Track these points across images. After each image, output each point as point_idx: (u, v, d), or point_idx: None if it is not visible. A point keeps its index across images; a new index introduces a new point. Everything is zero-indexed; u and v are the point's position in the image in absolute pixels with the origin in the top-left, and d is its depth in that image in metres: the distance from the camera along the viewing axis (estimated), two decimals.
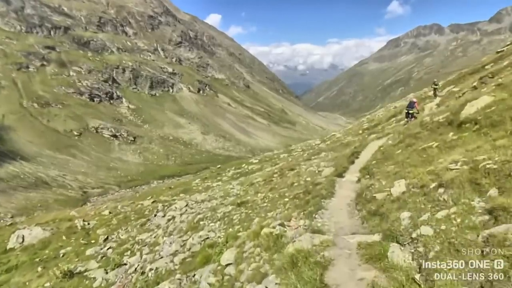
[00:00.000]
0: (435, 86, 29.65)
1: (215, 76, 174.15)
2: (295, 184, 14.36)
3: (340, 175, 12.17)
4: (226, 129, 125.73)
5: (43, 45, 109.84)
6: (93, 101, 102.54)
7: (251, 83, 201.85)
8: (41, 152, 72.82)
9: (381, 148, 14.15)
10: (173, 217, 18.20)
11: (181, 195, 32.22)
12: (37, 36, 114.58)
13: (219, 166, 55.81)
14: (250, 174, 35.40)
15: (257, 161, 47.70)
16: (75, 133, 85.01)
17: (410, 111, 18.50)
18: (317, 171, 15.36)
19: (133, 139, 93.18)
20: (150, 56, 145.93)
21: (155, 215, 20.26)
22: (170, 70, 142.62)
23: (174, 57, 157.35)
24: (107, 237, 18.62)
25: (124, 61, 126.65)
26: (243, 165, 45.26)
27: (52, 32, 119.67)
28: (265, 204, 13.32)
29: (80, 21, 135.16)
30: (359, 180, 10.65)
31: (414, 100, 19.57)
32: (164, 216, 19.38)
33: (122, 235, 18.46)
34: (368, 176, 10.14)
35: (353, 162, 14.04)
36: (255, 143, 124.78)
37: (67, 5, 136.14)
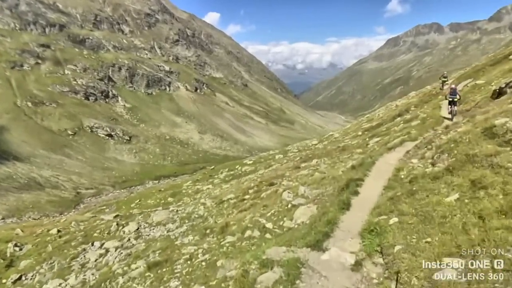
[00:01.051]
0: (444, 79, 29.02)
1: (213, 75, 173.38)
2: (250, 232, 10.51)
3: (319, 246, 6.05)
4: (224, 129, 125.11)
5: (37, 43, 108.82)
6: (88, 100, 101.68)
7: (249, 82, 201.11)
8: (35, 152, 72.04)
9: (402, 175, 8.51)
10: (107, 252, 16.15)
11: (169, 199, 31.91)
12: (32, 33, 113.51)
13: (212, 167, 55.35)
14: (242, 176, 34.99)
15: (251, 162, 47.21)
16: (70, 133, 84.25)
17: (454, 99, 16.64)
18: (289, 206, 10.94)
19: (128, 138, 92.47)
20: (146, 54, 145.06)
21: (92, 244, 18.08)
22: (167, 68, 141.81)
23: (171, 55, 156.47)
24: (20, 277, 15.78)
25: (120, 59, 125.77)
26: (237, 167, 44.85)
27: (47, 30, 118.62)
28: (189, 268, 10.06)
29: (75, 18, 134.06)
30: (358, 265, 5.30)
31: (454, 86, 18.03)
32: (101, 246, 17.36)
33: (35, 277, 15.71)
34: (381, 256, 5.27)
35: (348, 207, 7.62)
36: (253, 143, 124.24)
37: (62, 2, 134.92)
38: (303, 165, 20.07)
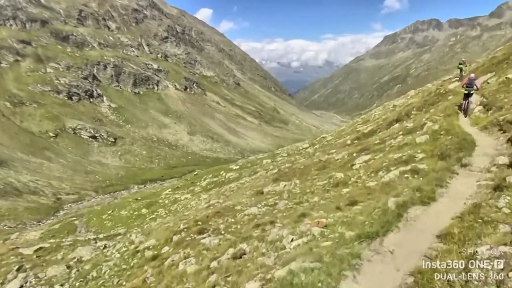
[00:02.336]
0: (461, 66, 25.53)
1: (204, 73, 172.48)
2: None
3: None
4: (215, 130, 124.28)
5: (17, 39, 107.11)
6: (72, 99, 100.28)
7: (242, 80, 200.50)
8: (13, 155, 70.62)
9: None
10: None
11: (143, 210, 31.33)
12: (11, 29, 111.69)
13: (195, 173, 54.80)
14: (226, 184, 34.42)
15: (237, 167, 46.72)
16: (51, 134, 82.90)
17: (471, 91, 15.00)
18: None
19: (113, 140, 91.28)
20: (133, 51, 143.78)
21: None
22: (155, 66, 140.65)
23: (159, 53, 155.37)
24: None
25: (105, 57, 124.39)
26: (221, 172, 44.34)
27: (27, 25, 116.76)
28: None
29: (58, 13, 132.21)
30: None
31: (473, 76, 15.81)
32: None
33: None
34: None
35: None
36: (245, 144, 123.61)
37: None
38: (267, 189, 17.24)
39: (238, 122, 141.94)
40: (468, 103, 15.02)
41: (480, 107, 14.33)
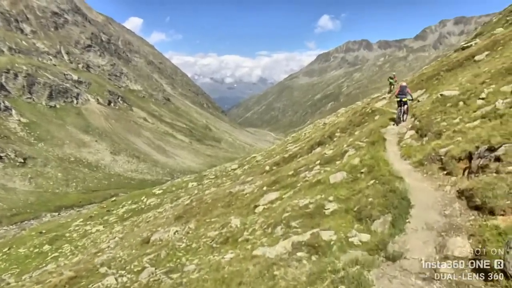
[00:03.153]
0: (391, 80, 26.78)
1: (130, 87, 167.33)
2: None
3: None
4: (141, 148, 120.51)
5: None
6: None
7: (172, 96, 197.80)
8: None
9: None
10: None
11: (45, 247, 29.50)
12: None
13: (113, 199, 52.91)
14: (145, 212, 33.94)
15: (160, 191, 46.27)
16: None
17: (403, 99, 15.45)
18: None
19: (23, 161, 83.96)
20: (51, 60, 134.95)
21: None
22: (75, 77, 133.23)
23: (81, 62, 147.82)
24: None
25: (17, 64, 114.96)
26: (142, 198, 43.49)
27: None
28: None
29: None
30: None
31: (404, 83, 16.27)
32: None
33: None
34: None
35: None
36: (175, 164, 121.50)
37: None
38: (156, 236, 16.43)
39: (167, 140, 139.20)
40: (402, 111, 15.41)
41: (412, 132, 12.24)
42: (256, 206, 12.75)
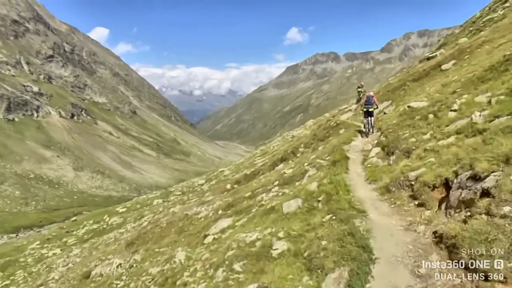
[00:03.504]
0: (360, 89, 26.90)
1: (95, 99, 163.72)
2: None
3: None
4: (106, 164, 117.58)
5: None
6: None
7: (138, 108, 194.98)
8: None
9: None
10: None
11: None
12: None
13: (74, 218, 51.44)
14: (107, 232, 33.25)
15: (124, 209, 45.51)
16: None
17: (370, 109, 14.96)
18: None
19: None
20: (9, 70, 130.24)
21: None
22: (35, 89, 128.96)
23: (42, 73, 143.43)
24: None
25: None
26: (104, 217, 42.42)
27: None
28: None
29: None
30: None
31: (371, 93, 15.90)
32: None
33: None
34: None
35: None
36: (142, 179, 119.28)
37: None
38: (97, 270, 16.03)
39: (133, 155, 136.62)
40: (370, 121, 14.94)
41: (378, 149, 11.01)
42: (206, 236, 12.19)
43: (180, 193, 43.78)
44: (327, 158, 12.63)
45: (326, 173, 10.41)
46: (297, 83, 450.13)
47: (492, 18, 22.62)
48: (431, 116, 10.20)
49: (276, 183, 14.14)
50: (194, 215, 17.73)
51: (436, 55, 23.16)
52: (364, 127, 15.42)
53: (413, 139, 9.36)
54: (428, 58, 24.15)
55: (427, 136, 9.02)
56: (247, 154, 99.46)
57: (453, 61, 17.77)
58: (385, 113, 16.92)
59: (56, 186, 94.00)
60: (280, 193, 12.13)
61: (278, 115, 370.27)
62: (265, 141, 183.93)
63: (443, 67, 17.93)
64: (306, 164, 13.79)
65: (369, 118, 15.00)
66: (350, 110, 26.56)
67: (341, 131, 17.79)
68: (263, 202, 12.23)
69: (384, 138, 11.27)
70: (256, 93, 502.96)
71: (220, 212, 15.04)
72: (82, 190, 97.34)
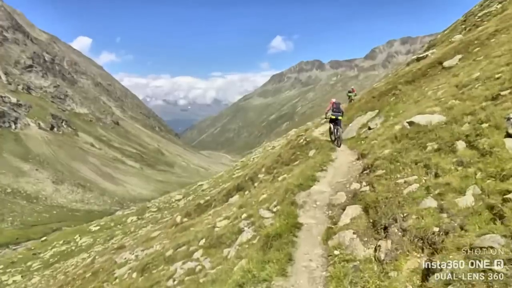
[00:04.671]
0: (350, 94, 26.53)
1: (76, 110, 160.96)
2: None
3: None
4: (87, 176, 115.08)
5: None
6: None
7: (121, 119, 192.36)
8: None
9: None
10: None
11: None
12: None
13: (44, 238, 49.88)
14: (75, 255, 32.13)
15: (97, 228, 44.26)
16: None
17: (339, 117, 13.62)
18: None
19: None
20: None
21: None
22: (13, 100, 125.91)
23: (20, 84, 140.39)
24: None
25: None
26: (75, 237, 41.21)
27: None
28: None
29: None
30: None
31: (335, 100, 14.60)
32: None
33: None
34: None
35: None
36: (124, 192, 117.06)
37: None
38: None
39: (115, 167, 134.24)
40: (338, 130, 13.56)
41: (356, 210, 5.88)
42: None
43: (156, 209, 42.83)
44: (274, 210, 8.44)
45: (257, 256, 5.66)
46: (282, 91, 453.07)
47: (490, 12, 19.65)
48: (461, 145, 5.38)
49: (202, 242, 10.58)
50: (115, 268, 15.60)
51: (427, 55, 20.11)
52: (333, 140, 13.83)
53: (430, 203, 4.39)
54: (418, 59, 20.93)
55: (463, 201, 4.04)
56: (231, 164, 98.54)
57: (458, 56, 14.38)
58: (370, 128, 13.34)
59: (35, 200, 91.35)
60: (198, 267, 8.85)
61: (263, 124, 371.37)
62: (251, 150, 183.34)
63: (446, 63, 14.58)
64: (244, 216, 9.79)
65: (338, 127, 13.55)
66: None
67: (311, 153, 14.01)
68: (175, 277, 9.26)
69: (368, 189, 6.27)
70: (241, 102, 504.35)
71: (134, 275, 12.52)
72: (62, 204, 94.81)
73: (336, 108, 13.76)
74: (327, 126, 16.41)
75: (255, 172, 19.62)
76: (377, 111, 14.87)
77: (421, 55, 21.35)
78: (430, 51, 20.92)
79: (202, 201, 21.60)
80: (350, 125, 15.45)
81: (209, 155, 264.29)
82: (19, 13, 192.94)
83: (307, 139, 17.05)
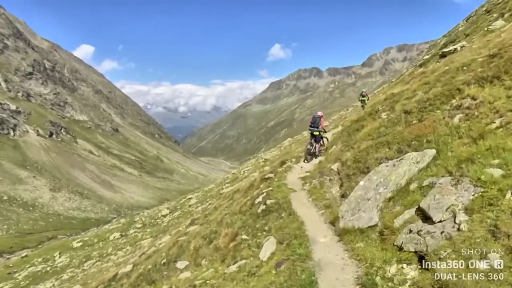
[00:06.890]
0: (363, 98, 26.20)
1: (75, 117, 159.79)
2: None
3: None
4: (85, 184, 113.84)
5: None
6: None
7: (120, 126, 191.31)
8: None
9: None
10: None
11: None
12: None
13: (25, 254, 48.59)
14: (48, 277, 30.89)
15: (80, 244, 42.95)
16: None
17: (314, 132, 12.61)
18: None
19: None
20: None
21: None
22: (12, 107, 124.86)
23: (20, 91, 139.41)
24: None
25: None
26: (55, 254, 40.00)
27: None
28: None
29: None
30: None
31: (319, 113, 13.39)
32: None
33: None
34: None
35: None
36: (122, 200, 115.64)
37: None
38: None
39: (114, 174, 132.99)
40: (315, 148, 12.64)
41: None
42: None
43: (141, 225, 41.52)
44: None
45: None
46: (281, 99, 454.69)
47: None
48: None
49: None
50: None
51: (456, 48, 15.50)
52: (306, 152, 12.79)
53: None
54: (442, 56, 16.61)
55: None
56: (232, 170, 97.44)
57: None
58: (420, 212, 4.92)
59: (31, 208, 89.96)
60: None
61: (262, 130, 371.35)
62: (250, 157, 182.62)
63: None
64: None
65: (315, 144, 12.63)
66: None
67: (264, 252, 7.08)
68: None
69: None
70: (240, 109, 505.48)
71: None
72: (59, 212, 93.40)
73: (312, 123, 12.86)
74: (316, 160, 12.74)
75: (235, 190, 17.05)
76: (432, 151, 5.99)
77: (446, 50, 16.86)
78: (459, 44, 16.04)
79: (181, 238, 15.05)
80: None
81: (208, 162, 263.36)
82: (21, 21, 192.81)
83: (270, 198, 9.53)
